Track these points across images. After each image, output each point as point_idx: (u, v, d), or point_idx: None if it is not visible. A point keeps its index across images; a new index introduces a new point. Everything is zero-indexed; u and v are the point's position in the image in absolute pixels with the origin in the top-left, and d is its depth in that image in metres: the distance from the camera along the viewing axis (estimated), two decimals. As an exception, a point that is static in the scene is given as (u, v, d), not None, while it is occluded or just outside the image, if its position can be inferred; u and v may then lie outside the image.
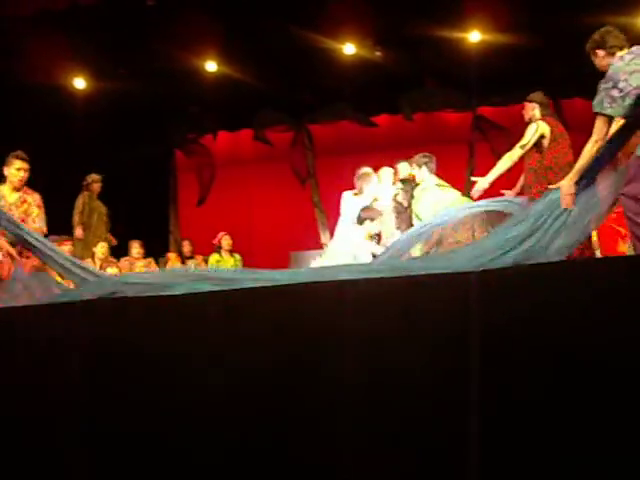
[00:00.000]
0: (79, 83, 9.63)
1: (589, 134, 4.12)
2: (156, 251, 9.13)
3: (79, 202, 8.63)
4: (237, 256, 8.95)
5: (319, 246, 10.31)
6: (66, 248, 7.60)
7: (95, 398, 3.80)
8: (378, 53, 9.10)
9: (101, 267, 7.86)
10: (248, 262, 9.21)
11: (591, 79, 4.15)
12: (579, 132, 5.99)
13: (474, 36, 8.73)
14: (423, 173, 6.29)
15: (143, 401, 3.71)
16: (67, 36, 8.38)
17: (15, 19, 8.00)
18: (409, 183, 6.53)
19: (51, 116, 9.40)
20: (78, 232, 8.45)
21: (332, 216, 9.85)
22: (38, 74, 8.83)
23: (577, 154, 4.42)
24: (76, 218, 8.53)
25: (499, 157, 5.86)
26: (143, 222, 9.73)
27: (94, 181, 8.73)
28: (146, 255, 8.68)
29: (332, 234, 10.16)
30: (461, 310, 3.19)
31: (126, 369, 3.78)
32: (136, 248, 8.58)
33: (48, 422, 3.83)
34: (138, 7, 8.21)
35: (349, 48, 9.12)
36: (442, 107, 9.78)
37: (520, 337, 3.03)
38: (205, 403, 3.57)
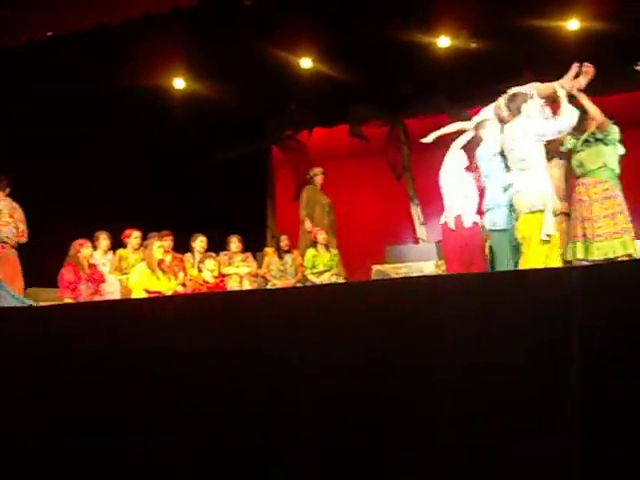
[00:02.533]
0: (179, 83, 9.90)
1: None
2: (254, 246, 9.29)
3: (303, 195, 8.85)
4: (333, 251, 8.99)
5: (415, 240, 10.28)
6: (166, 244, 7.84)
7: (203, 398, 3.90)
8: (474, 45, 8.98)
9: (201, 260, 8.05)
10: (344, 257, 9.26)
11: None
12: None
13: (573, 24, 8.52)
14: None
15: (241, 400, 3.79)
16: (168, 38, 8.63)
17: (119, 24, 8.29)
18: None
19: (152, 116, 9.69)
20: (306, 225, 8.72)
21: (428, 210, 9.82)
22: (140, 76, 9.12)
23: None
24: (302, 212, 8.78)
25: None
26: (241, 217, 9.93)
27: (316, 174, 8.93)
28: (244, 250, 8.83)
29: (428, 228, 10.13)
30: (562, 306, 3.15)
31: (227, 368, 3.88)
32: (235, 243, 8.72)
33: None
34: (235, 7, 8.35)
35: (444, 40, 9.04)
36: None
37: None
38: (299, 401, 3.62)
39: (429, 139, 6.72)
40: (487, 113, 6.39)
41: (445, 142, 9.79)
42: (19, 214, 7.39)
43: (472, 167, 6.49)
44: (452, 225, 6.34)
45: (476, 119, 6.53)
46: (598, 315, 3.11)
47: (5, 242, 7.17)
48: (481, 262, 6.19)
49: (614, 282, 3.20)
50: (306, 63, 9.55)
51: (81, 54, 8.71)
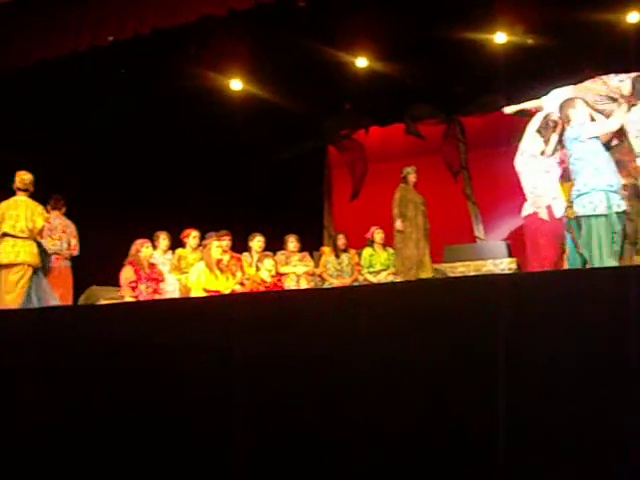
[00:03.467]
0: (236, 85, 10.01)
1: None
2: (311, 245, 9.34)
3: (396, 195, 8.77)
4: (390, 250, 8.97)
5: (472, 239, 10.20)
6: (224, 243, 7.93)
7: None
8: (530, 40, 8.88)
9: (259, 260, 8.13)
10: (402, 256, 9.23)
11: None
12: None
13: (633, 17, 8.36)
14: None
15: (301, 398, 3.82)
16: (224, 41, 8.74)
17: (177, 27, 8.41)
18: None
19: (210, 117, 9.83)
20: (398, 224, 8.63)
21: (485, 209, 9.73)
22: (198, 78, 9.26)
23: None
24: (395, 211, 8.68)
25: None
26: (298, 217, 10.00)
27: (409, 172, 8.84)
28: (301, 249, 8.88)
29: (485, 227, 10.04)
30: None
31: (284, 366, 3.92)
32: (292, 242, 8.77)
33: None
34: (290, 8, 8.41)
35: (500, 37, 8.96)
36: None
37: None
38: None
39: (510, 110, 6.48)
40: (566, 93, 6.00)
41: (503, 139, 9.77)
42: (72, 230, 8.10)
43: (550, 150, 5.98)
44: (545, 215, 5.87)
45: (556, 98, 6.06)
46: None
47: (59, 254, 7.90)
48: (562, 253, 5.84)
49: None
50: (361, 62, 9.58)
51: (141, 58, 8.87)
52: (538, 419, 3.12)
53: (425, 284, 5.01)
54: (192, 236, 8.31)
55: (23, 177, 6.99)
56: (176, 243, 8.39)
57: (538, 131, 6.12)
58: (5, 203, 6.94)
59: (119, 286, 7.37)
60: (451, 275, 8.73)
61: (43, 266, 7.08)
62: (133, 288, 7.17)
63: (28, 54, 8.09)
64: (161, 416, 4.18)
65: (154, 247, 7.86)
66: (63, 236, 7.98)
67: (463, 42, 8.89)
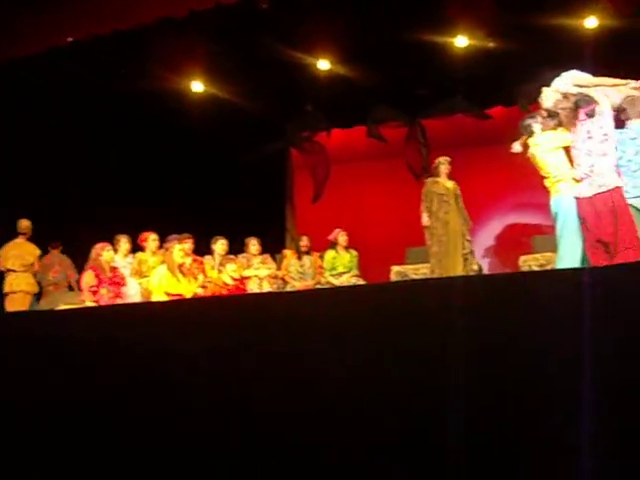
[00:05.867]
0: (197, 86, 9.95)
1: None
2: (273, 248, 9.31)
3: (423, 190, 8.43)
4: (353, 252, 8.99)
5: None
6: (186, 246, 7.87)
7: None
8: (491, 44, 8.95)
9: (221, 263, 8.08)
10: (364, 258, 9.25)
11: None
12: None
13: (590, 22, 8.48)
14: None
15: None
16: (185, 42, 8.68)
17: (137, 28, 8.35)
18: None
19: (171, 119, 9.76)
20: (423, 219, 8.30)
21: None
22: (158, 80, 9.18)
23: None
24: (422, 206, 8.33)
25: None
26: (260, 219, 9.96)
27: (440, 163, 8.49)
28: (263, 252, 8.85)
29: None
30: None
31: (245, 369, 3.89)
32: (254, 245, 8.74)
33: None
34: (252, 10, 8.39)
35: (461, 40, 9.03)
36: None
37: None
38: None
39: (517, 149, 6.38)
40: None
41: (464, 142, 9.84)
42: (67, 263, 9.24)
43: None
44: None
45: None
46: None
47: (57, 284, 9.13)
48: None
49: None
50: (323, 65, 9.57)
51: (100, 59, 8.78)
52: (498, 424, 3.13)
53: (385, 287, 5.02)
54: (151, 239, 8.21)
55: (23, 224, 8.85)
56: (137, 246, 8.31)
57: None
58: (7, 245, 8.79)
59: (80, 291, 7.29)
60: (414, 277, 8.75)
61: (39, 293, 8.93)
62: (94, 293, 7.09)
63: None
64: (120, 421, 4.12)
65: (115, 251, 7.77)
66: (59, 269, 9.18)
67: (425, 45, 8.94)
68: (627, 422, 2.74)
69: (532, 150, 6.02)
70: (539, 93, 6.32)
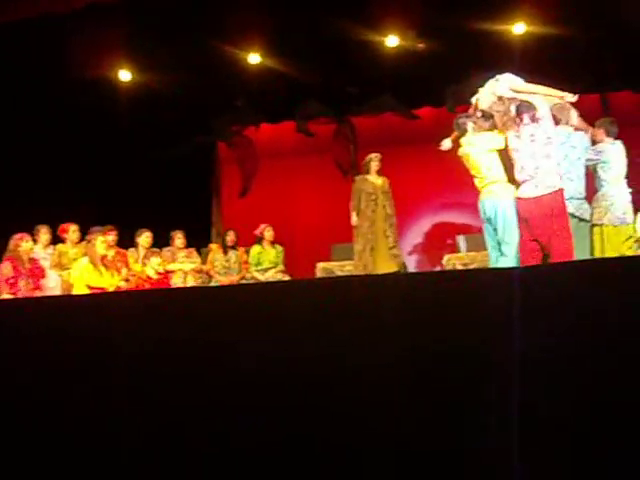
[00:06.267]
0: (124, 75, 9.74)
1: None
2: (199, 242, 9.21)
3: (352, 187, 8.30)
4: (279, 247, 8.98)
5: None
6: (110, 238, 7.72)
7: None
8: (421, 45, 9.05)
9: (145, 256, 7.95)
10: (290, 254, 9.24)
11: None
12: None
13: (519, 28, 8.66)
14: None
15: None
16: (114, 29, 8.50)
17: (64, 14, 8.13)
18: None
19: (97, 108, 9.54)
20: (353, 219, 8.18)
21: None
22: (85, 68, 8.96)
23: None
24: (351, 204, 8.23)
25: None
26: (186, 213, 9.83)
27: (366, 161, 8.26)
28: (188, 245, 8.75)
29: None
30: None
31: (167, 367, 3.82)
32: (179, 239, 8.64)
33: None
34: (183, 2, 8.28)
35: (392, 40, 9.09)
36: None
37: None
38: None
39: (447, 145, 6.45)
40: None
41: (391, 140, 9.91)
42: None
43: None
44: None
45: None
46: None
47: None
48: None
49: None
50: (254, 59, 9.50)
51: (24, 43, 8.52)
52: (426, 425, 3.13)
53: (312, 283, 5.00)
54: (72, 230, 8.01)
55: None
56: (58, 238, 8.10)
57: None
58: None
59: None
60: (339, 273, 8.77)
61: None
62: (11, 285, 6.88)
63: None
64: (40, 414, 4.00)
65: (34, 241, 7.55)
66: None
67: (356, 43, 8.98)
68: (553, 423, 2.78)
69: (465, 149, 6.06)
70: (466, 94, 6.43)
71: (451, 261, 8.61)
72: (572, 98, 5.98)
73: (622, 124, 6.30)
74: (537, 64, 7.79)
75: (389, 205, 8.14)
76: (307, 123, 10.54)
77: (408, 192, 9.69)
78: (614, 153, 6.13)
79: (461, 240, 9.05)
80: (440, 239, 10.11)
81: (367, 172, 8.24)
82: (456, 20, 8.34)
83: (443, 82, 9.46)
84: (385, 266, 7.93)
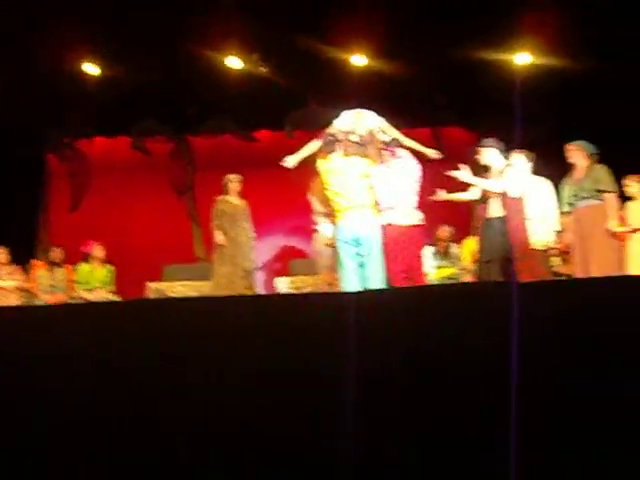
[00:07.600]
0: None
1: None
2: (24, 258, 8.77)
3: (213, 208, 8.04)
4: (109, 267, 8.72)
5: (193, 260, 10.16)
6: None
7: None
8: (262, 69, 9.14)
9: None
10: (121, 273, 8.97)
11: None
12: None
13: (358, 60, 8.93)
14: None
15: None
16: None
17: None
18: None
19: None
20: (218, 238, 7.88)
21: (208, 230, 9.74)
22: None
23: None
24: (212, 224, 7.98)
25: None
26: (11, 228, 9.34)
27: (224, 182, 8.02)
28: (13, 262, 8.33)
29: (208, 248, 10.06)
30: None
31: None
32: (2, 254, 8.23)
33: None
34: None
35: (234, 61, 9.11)
36: (324, 127, 9.85)
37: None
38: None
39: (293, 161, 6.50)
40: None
41: (230, 162, 9.89)
42: None
43: None
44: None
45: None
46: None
47: None
48: None
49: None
50: (92, 69, 9.21)
51: None
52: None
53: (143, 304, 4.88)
54: None
55: None
56: None
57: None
58: None
59: None
60: (170, 295, 8.60)
61: None
62: None
63: None
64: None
65: None
66: None
67: (196, 62, 8.94)
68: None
69: (331, 169, 6.03)
70: (308, 120, 6.58)
71: (283, 284, 8.67)
72: (435, 155, 6.40)
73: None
74: (375, 98, 8.01)
75: (249, 227, 8.08)
76: (144, 140, 10.32)
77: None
78: None
79: (294, 265, 9.17)
80: (275, 262, 10.19)
81: (227, 193, 8.11)
82: (297, 47, 8.49)
83: (283, 107, 9.59)
84: (244, 288, 7.82)
